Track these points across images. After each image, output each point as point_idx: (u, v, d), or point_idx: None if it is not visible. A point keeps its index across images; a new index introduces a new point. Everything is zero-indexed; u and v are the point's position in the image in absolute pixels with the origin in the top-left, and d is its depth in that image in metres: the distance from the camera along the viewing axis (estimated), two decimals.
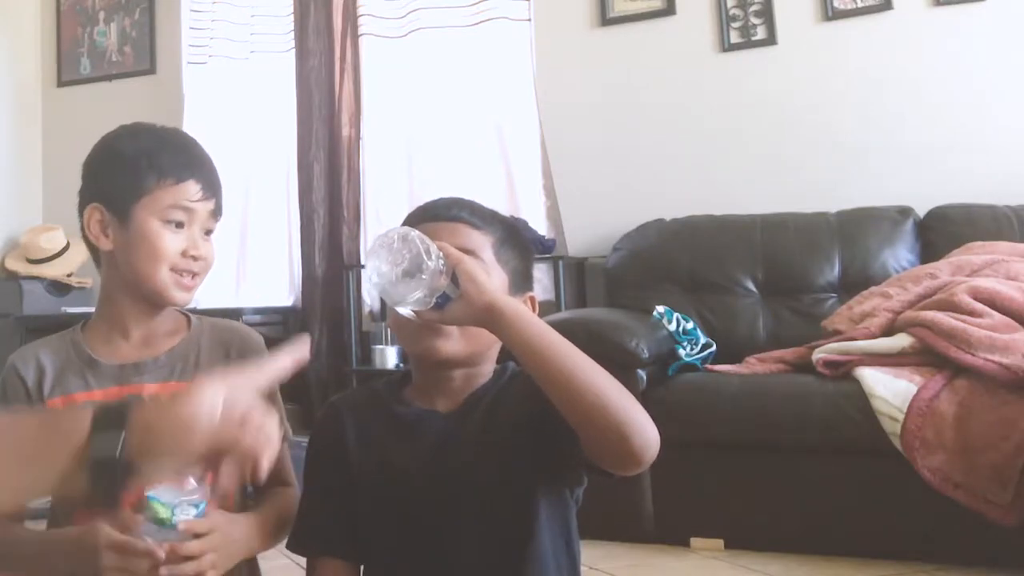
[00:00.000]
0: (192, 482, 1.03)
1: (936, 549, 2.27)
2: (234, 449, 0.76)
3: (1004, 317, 2.37)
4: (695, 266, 3.12)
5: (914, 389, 2.27)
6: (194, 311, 1.39)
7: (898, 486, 2.26)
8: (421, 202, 1.20)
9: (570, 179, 3.61)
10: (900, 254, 2.95)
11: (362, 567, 1.17)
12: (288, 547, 1.20)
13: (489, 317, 0.99)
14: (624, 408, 0.96)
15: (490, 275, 1.08)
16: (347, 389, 3.44)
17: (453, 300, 1.00)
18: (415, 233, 0.99)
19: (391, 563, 1.13)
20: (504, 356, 1.19)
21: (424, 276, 0.97)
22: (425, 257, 0.97)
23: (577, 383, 0.96)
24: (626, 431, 0.96)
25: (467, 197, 1.21)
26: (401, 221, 1.18)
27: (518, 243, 1.18)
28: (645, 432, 0.97)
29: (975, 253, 2.73)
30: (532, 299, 1.18)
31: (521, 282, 1.17)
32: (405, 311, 1.03)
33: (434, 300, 1.00)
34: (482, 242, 1.12)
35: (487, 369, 1.17)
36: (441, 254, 0.99)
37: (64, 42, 4.53)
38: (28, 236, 4.20)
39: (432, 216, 1.14)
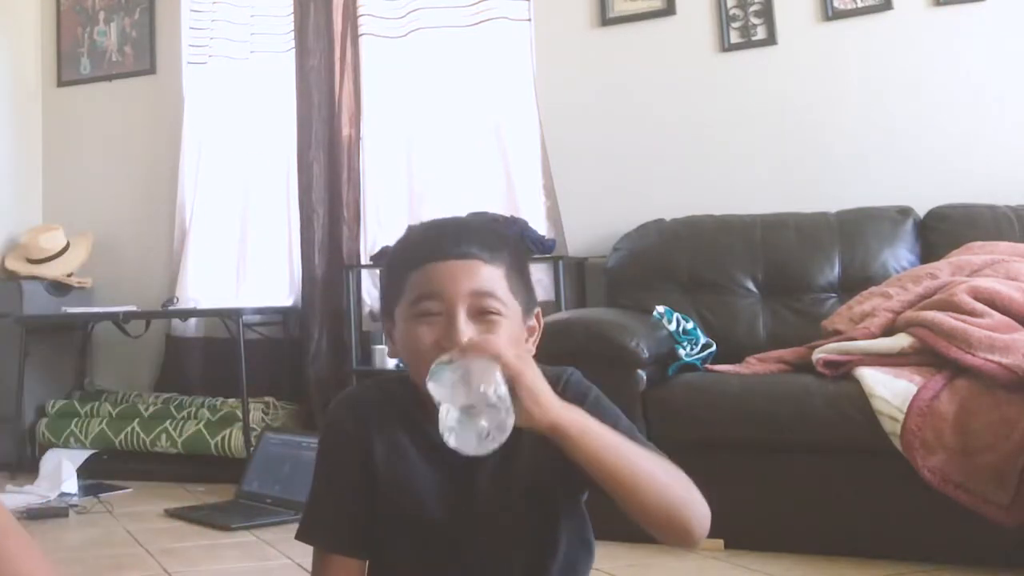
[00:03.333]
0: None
1: (936, 549, 2.27)
2: None
3: (1004, 317, 2.37)
4: (695, 266, 3.11)
5: (914, 389, 2.27)
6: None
7: (898, 486, 2.26)
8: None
9: (570, 179, 3.60)
10: (900, 254, 2.95)
11: (367, 563, 1.16)
12: (297, 537, 1.18)
13: (552, 436, 0.97)
14: (685, 502, 1.00)
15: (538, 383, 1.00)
16: (347, 389, 3.44)
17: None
18: (479, 380, 0.94)
19: (404, 569, 1.13)
20: None
21: (490, 418, 0.93)
22: (496, 401, 0.92)
23: (642, 489, 0.99)
24: (687, 524, 0.99)
25: (466, 210, 1.20)
26: (403, 240, 1.14)
27: (522, 259, 1.14)
28: (703, 520, 1.00)
29: (975, 253, 2.73)
30: (538, 315, 1.15)
31: (530, 304, 1.13)
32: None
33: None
34: (496, 278, 1.07)
35: None
36: (502, 382, 0.94)
37: (64, 42, 4.53)
38: (28, 236, 4.20)
39: (442, 253, 1.07)
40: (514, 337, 1.08)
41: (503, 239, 1.12)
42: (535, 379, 0.96)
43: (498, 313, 1.06)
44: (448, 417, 0.94)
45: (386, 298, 1.15)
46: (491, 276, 1.07)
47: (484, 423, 0.93)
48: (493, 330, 1.04)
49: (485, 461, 1.07)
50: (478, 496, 1.09)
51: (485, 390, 0.93)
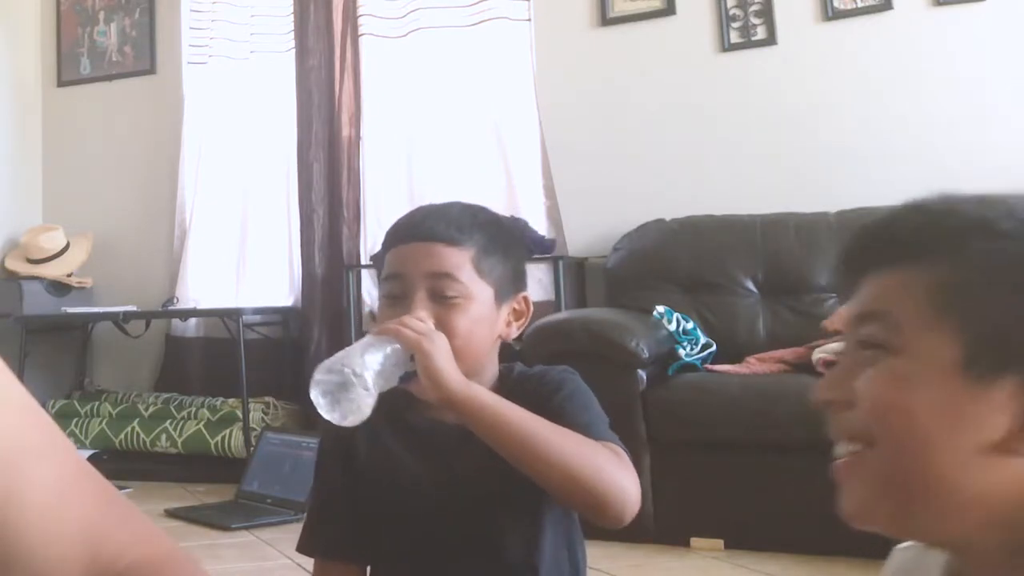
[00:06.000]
0: None
1: None
2: None
3: None
4: (695, 266, 3.12)
5: None
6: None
7: None
8: (421, 202, 1.19)
9: (570, 179, 3.60)
10: None
11: (368, 569, 1.17)
12: (297, 549, 1.19)
13: (444, 406, 1.01)
14: (595, 477, 0.98)
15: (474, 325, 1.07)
16: None
17: (416, 378, 1.01)
18: (335, 363, 0.99)
19: (397, 569, 1.14)
20: (504, 356, 1.19)
21: (356, 391, 0.98)
22: (354, 380, 0.98)
23: (540, 460, 0.99)
24: (599, 498, 0.98)
25: (455, 199, 1.20)
26: (386, 234, 1.17)
27: (503, 245, 1.14)
28: (621, 495, 0.99)
29: None
30: (525, 299, 1.16)
31: (509, 287, 1.14)
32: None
33: (397, 379, 1.02)
34: (459, 260, 1.08)
35: (489, 375, 1.15)
36: (392, 347, 1.00)
37: (64, 42, 4.52)
38: (28, 236, 4.20)
39: (407, 235, 1.11)
40: (480, 319, 1.09)
41: (475, 221, 1.12)
42: (431, 355, 0.99)
43: (457, 295, 1.07)
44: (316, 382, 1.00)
45: (378, 275, 1.21)
46: (452, 258, 1.08)
47: (340, 396, 0.98)
48: (452, 312, 1.07)
49: (468, 450, 1.08)
50: (460, 485, 1.09)
51: (343, 367, 0.98)
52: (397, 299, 1.09)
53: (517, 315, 1.15)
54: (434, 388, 0.99)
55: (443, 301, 1.07)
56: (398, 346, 1.01)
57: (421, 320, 1.04)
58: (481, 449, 1.08)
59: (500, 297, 1.12)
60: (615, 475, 0.99)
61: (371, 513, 1.13)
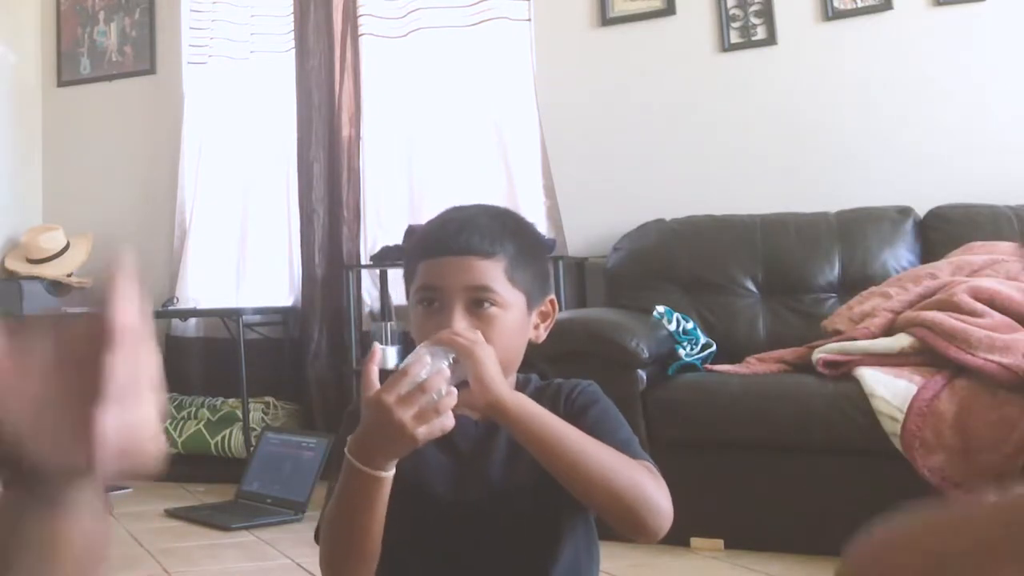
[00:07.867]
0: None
1: None
2: None
3: (1004, 317, 2.37)
4: (695, 266, 3.12)
5: (914, 389, 2.27)
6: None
7: (898, 486, 2.26)
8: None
9: (570, 179, 3.60)
10: (900, 254, 2.95)
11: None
12: (316, 539, 1.20)
13: (492, 414, 1.02)
14: (635, 493, 1.01)
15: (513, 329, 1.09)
16: (347, 389, 3.44)
17: (466, 387, 1.02)
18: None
19: (408, 563, 1.14)
20: (525, 366, 1.19)
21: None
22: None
23: (584, 474, 1.01)
24: (638, 514, 1.01)
25: (455, 196, 1.21)
26: (420, 229, 1.17)
27: (531, 252, 1.16)
28: (658, 512, 1.01)
29: (975, 253, 2.73)
30: (552, 302, 1.19)
31: (538, 293, 1.16)
32: None
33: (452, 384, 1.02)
34: (494, 272, 1.10)
35: (509, 382, 1.16)
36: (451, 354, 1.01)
37: (64, 42, 4.52)
38: (28, 236, 4.21)
39: (442, 249, 1.11)
40: (516, 327, 1.11)
41: (505, 230, 1.14)
42: (482, 360, 1.01)
43: (494, 305, 1.09)
44: None
45: (405, 278, 1.21)
46: (488, 271, 1.10)
47: None
48: (489, 323, 1.08)
49: (495, 451, 1.10)
50: (486, 484, 1.10)
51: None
52: (433, 309, 1.10)
53: (543, 317, 1.18)
54: (485, 394, 1.01)
55: (480, 313, 1.09)
56: (452, 357, 1.02)
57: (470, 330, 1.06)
58: (504, 447, 1.10)
59: (531, 303, 1.14)
60: (654, 493, 1.02)
61: (389, 507, 1.13)
